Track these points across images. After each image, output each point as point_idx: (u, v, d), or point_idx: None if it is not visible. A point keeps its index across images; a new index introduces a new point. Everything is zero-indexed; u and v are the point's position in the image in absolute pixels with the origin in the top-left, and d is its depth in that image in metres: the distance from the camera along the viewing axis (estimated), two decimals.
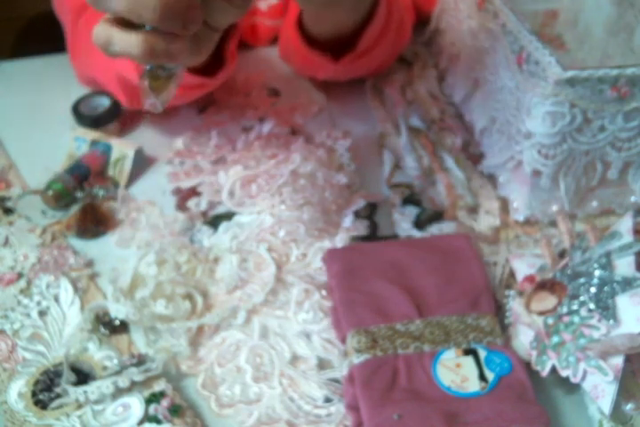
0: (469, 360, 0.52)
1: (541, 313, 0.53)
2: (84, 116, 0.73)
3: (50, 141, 0.73)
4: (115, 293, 0.57)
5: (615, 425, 0.50)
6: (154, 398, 0.51)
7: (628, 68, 0.55)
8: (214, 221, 0.65)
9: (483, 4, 0.66)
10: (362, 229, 0.64)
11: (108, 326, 0.57)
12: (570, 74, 0.54)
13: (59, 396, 0.52)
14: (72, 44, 0.74)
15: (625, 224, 0.54)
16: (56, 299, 0.59)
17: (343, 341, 0.54)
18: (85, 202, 0.65)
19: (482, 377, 0.51)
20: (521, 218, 0.64)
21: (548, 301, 0.54)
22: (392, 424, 0.48)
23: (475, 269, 0.58)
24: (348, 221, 0.64)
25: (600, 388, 0.49)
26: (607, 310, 0.50)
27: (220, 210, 0.66)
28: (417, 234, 0.64)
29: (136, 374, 0.52)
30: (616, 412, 0.50)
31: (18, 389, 0.52)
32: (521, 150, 0.61)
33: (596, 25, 0.70)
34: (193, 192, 0.68)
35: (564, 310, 0.52)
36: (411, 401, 0.49)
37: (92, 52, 0.68)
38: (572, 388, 0.53)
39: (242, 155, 0.69)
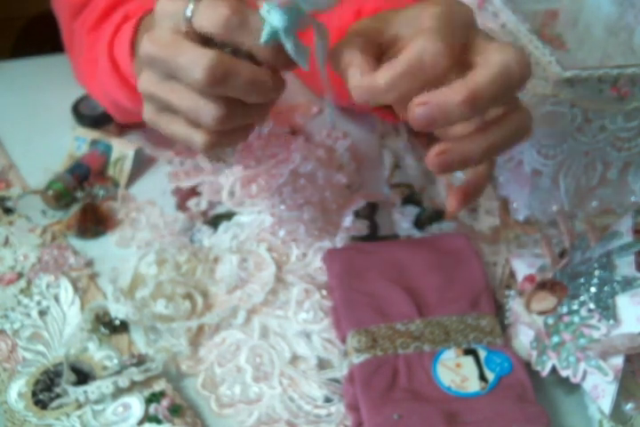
0: (469, 360, 0.52)
1: (541, 313, 0.53)
2: (84, 116, 0.72)
3: (50, 141, 0.73)
4: (115, 293, 0.57)
5: (615, 425, 0.50)
6: (154, 398, 0.51)
7: (628, 67, 0.54)
8: (214, 221, 0.65)
9: (483, 4, 0.66)
10: (362, 229, 0.64)
11: (108, 326, 0.57)
12: (570, 74, 0.54)
13: (59, 396, 0.52)
14: (68, 43, 0.74)
15: (625, 224, 0.54)
16: (56, 299, 0.59)
17: (343, 341, 0.54)
18: (85, 202, 0.65)
19: (482, 377, 0.51)
20: (521, 218, 0.64)
21: (548, 301, 0.54)
22: (392, 424, 0.48)
23: (475, 269, 0.58)
24: (348, 221, 0.64)
25: (600, 388, 0.49)
26: (607, 309, 0.50)
27: (219, 210, 0.66)
28: (417, 234, 0.64)
29: (136, 374, 0.52)
30: (616, 412, 0.50)
31: (18, 389, 0.52)
32: (521, 150, 0.60)
33: (596, 25, 0.70)
34: (193, 192, 0.68)
35: (564, 309, 0.52)
36: (411, 401, 0.49)
37: (84, 60, 0.68)
38: (572, 388, 0.52)
39: (241, 155, 0.69)
